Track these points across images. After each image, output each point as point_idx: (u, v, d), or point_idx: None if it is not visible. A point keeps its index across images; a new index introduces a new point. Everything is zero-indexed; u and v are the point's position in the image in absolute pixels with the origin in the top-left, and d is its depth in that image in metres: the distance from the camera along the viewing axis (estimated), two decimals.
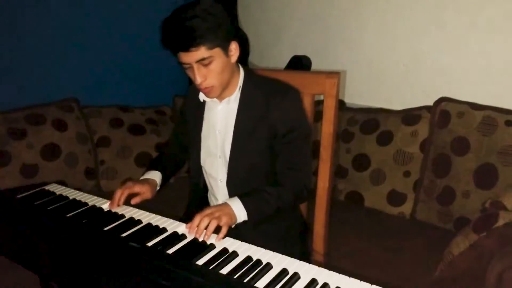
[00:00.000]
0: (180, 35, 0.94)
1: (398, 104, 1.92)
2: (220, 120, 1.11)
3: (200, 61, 0.96)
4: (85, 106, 2.02)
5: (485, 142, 1.55)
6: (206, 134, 1.14)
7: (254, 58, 2.48)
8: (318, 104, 1.37)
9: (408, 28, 1.90)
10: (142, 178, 1.16)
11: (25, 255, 0.97)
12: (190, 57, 0.96)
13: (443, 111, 1.72)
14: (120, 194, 1.06)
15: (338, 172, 1.92)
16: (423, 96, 1.85)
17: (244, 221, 0.99)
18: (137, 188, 1.09)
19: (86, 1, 2.02)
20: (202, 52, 0.95)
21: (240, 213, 0.98)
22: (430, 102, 1.78)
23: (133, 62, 2.24)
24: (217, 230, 0.91)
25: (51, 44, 1.93)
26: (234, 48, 1.01)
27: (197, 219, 0.91)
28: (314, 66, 2.15)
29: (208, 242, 0.89)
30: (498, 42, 1.68)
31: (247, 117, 1.07)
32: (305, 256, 1.19)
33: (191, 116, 1.19)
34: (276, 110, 1.05)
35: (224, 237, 0.90)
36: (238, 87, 1.08)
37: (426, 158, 1.74)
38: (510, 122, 1.54)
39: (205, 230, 0.90)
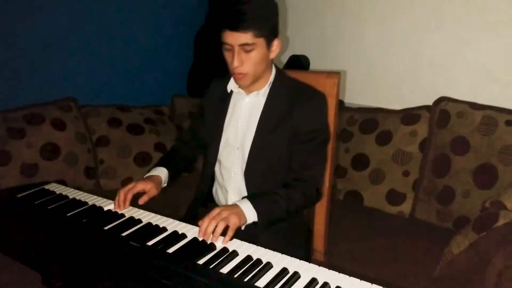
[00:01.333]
0: (234, 13, 0.97)
1: (397, 103, 1.92)
2: (244, 112, 1.12)
3: (243, 45, 0.98)
4: (83, 106, 2.01)
5: (485, 142, 1.56)
6: (227, 125, 1.14)
7: None
8: None
9: (407, 28, 1.90)
10: (146, 175, 1.15)
11: (27, 254, 0.96)
12: (235, 38, 0.98)
13: (443, 110, 1.72)
14: (124, 197, 1.04)
15: (337, 172, 1.92)
16: (422, 96, 1.86)
17: (254, 223, 0.98)
18: (140, 187, 1.07)
19: (84, 0, 2.01)
20: (248, 37, 0.97)
21: (250, 214, 0.96)
22: (429, 102, 1.79)
23: (131, 62, 2.23)
24: (225, 231, 0.90)
25: (49, 43, 1.92)
26: (276, 45, 1.05)
27: (205, 222, 0.90)
28: (312, 66, 2.15)
29: (209, 242, 0.88)
30: (498, 41, 1.68)
31: (273, 113, 1.08)
32: (309, 256, 1.19)
33: (212, 108, 1.18)
34: (301, 111, 1.07)
35: (231, 239, 0.89)
36: (269, 82, 1.10)
37: (425, 157, 1.74)
38: (510, 122, 1.54)
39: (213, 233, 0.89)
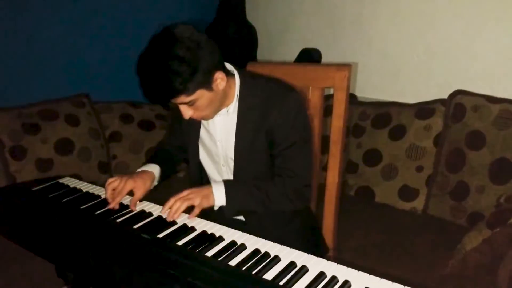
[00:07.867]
0: (155, 93, 0.90)
1: (411, 97, 1.89)
2: (219, 130, 1.07)
3: (183, 103, 0.93)
4: (96, 102, 2.05)
5: (501, 136, 1.51)
6: (206, 142, 1.11)
7: (262, 52, 2.47)
8: (328, 98, 1.35)
9: (422, 19, 1.86)
10: (141, 169, 1.11)
11: (42, 245, 0.99)
12: (171, 103, 0.93)
13: (458, 104, 1.68)
14: (112, 200, 1.02)
15: (348, 167, 1.90)
16: (437, 89, 1.82)
17: (222, 207, 1.00)
18: (129, 186, 1.04)
19: None
20: (182, 99, 0.91)
21: (220, 196, 0.99)
22: (444, 95, 1.75)
23: None
24: (190, 210, 0.96)
25: (62, 40, 1.96)
26: (220, 78, 0.95)
27: (170, 201, 0.96)
28: (324, 59, 2.13)
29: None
30: None
31: (247, 127, 1.04)
32: (319, 251, 1.16)
33: (187, 120, 1.06)
34: (274, 117, 1.01)
35: (196, 216, 0.94)
36: (235, 97, 1.03)
37: (439, 152, 1.70)
38: None
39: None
